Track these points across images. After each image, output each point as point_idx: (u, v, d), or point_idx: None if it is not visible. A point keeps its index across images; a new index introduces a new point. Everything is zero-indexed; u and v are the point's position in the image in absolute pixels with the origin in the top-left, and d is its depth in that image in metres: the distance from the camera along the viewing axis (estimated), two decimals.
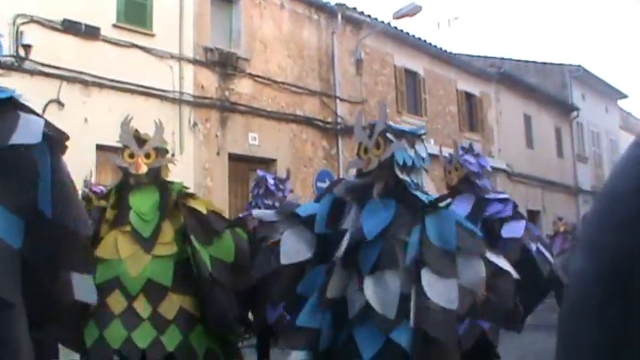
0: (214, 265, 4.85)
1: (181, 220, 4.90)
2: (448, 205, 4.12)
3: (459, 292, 3.74)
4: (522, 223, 6.26)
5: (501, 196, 6.66)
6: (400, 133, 4.16)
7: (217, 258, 4.92)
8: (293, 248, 4.21)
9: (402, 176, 4.05)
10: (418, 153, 4.18)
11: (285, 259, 4.17)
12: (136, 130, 5.23)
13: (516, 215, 6.38)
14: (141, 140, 5.12)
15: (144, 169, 4.97)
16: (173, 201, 4.97)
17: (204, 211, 4.99)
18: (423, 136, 4.34)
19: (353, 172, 4.51)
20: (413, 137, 4.21)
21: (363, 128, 4.29)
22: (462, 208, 6.28)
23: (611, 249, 1.02)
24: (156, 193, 5.00)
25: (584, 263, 1.07)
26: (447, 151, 21.57)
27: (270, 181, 7.89)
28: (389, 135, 4.09)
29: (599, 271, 1.03)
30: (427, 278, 3.74)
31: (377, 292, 3.84)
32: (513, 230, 6.13)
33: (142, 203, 4.87)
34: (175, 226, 4.89)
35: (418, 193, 4.04)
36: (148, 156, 5.02)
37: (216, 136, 15.88)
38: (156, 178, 4.99)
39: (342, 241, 3.95)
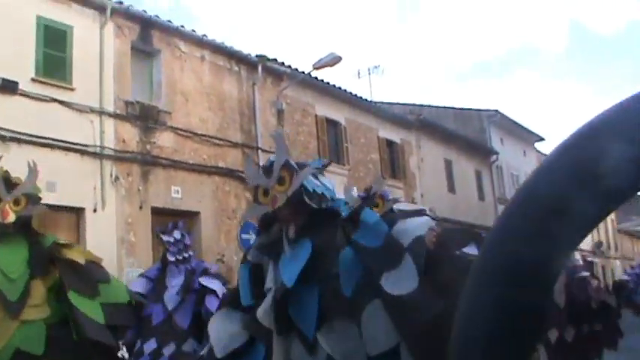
0: (109, 313, 4.33)
1: (56, 275, 4.28)
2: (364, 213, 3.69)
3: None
4: None
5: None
6: (302, 165, 3.80)
7: (110, 303, 4.40)
8: (225, 336, 3.81)
9: (315, 205, 3.66)
10: (324, 184, 3.83)
11: (220, 351, 3.75)
12: (6, 171, 4.66)
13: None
14: (11, 184, 4.56)
15: (11, 217, 4.34)
16: (45, 255, 4.34)
17: (83, 261, 4.39)
18: (324, 169, 4.04)
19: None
20: (316, 169, 3.89)
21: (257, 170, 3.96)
22: None
23: None
24: (24, 246, 4.35)
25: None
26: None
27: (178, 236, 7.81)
28: (292, 166, 3.74)
29: None
30: (385, 280, 3.29)
31: (336, 348, 3.37)
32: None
33: (8, 259, 4.18)
34: (48, 284, 4.24)
35: (336, 204, 3.82)
36: (17, 202, 4.45)
37: (139, 190, 15.75)
38: (25, 229, 4.39)
39: (265, 305, 3.58)
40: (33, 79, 14.28)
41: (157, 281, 7.46)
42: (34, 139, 13.92)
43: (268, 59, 20.12)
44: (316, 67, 19.84)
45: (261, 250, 3.89)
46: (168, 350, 7.01)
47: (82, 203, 14.53)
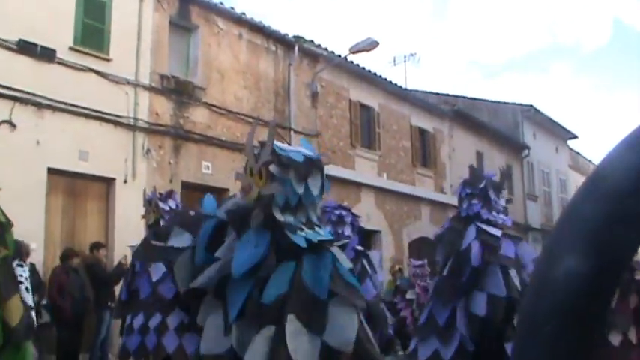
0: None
1: None
2: (330, 245, 3.83)
3: (321, 352, 3.45)
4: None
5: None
6: (289, 165, 3.80)
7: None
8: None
9: (281, 218, 3.73)
10: (309, 188, 3.86)
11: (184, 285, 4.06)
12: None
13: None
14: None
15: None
16: None
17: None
18: (322, 163, 4.05)
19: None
20: (306, 168, 3.86)
21: (256, 145, 3.98)
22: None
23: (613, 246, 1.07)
24: None
25: (578, 263, 1.11)
26: (400, 186, 21.48)
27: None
28: (273, 170, 3.76)
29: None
30: (292, 328, 3.44)
31: (244, 348, 3.54)
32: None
33: None
34: None
35: (297, 236, 3.70)
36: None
37: (170, 163, 15.80)
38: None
39: (212, 270, 3.81)
40: (71, 49, 14.33)
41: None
42: (69, 108, 14.00)
43: (305, 40, 20.08)
44: (353, 51, 19.79)
45: (230, 216, 3.96)
46: (154, 322, 6.93)
47: (113, 174, 14.61)
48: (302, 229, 3.78)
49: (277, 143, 3.97)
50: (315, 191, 3.91)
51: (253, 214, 3.80)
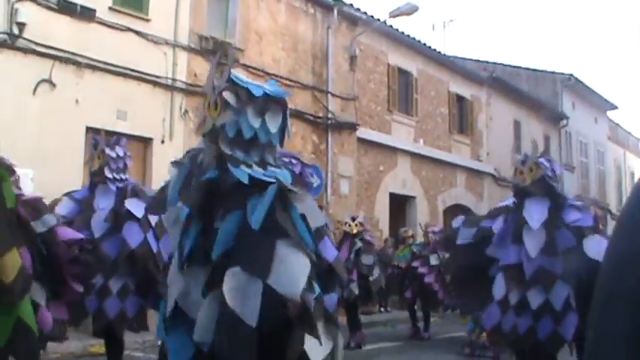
0: None
1: None
2: (288, 192, 3.36)
3: (264, 298, 3.07)
4: (605, 240, 5.65)
5: (579, 203, 6.44)
6: (247, 95, 3.50)
7: None
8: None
9: (228, 151, 3.43)
10: (266, 124, 3.52)
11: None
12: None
13: (598, 228, 6.15)
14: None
15: None
16: None
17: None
18: (286, 103, 3.67)
19: None
20: (265, 103, 3.54)
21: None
22: (537, 212, 6.08)
23: None
24: None
25: (620, 244, 1.07)
26: (436, 153, 21.41)
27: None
28: (227, 97, 3.46)
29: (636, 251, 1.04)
30: (231, 280, 3.13)
31: (184, 292, 3.36)
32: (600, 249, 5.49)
33: None
34: None
35: (240, 170, 3.37)
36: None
37: None
38: None
39: (170, 214, 3.67)
40: (110, 8, 14.34)
41: (83, 203, 6.88)
42: (108, 67, 14.04)
43: (344, 3, 19.94)
44: (392, 15, 19.62)
45: (190, 161, 3.68)
46: (96, 283, 6.40)
47: (151, 134, 14.67)
48: (250, 166, 3.44)
49: (238, 74, 3.70)
50: (272, 129, 3.53)
51: (204, 150, 3.56)
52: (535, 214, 6.11)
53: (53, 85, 13.19)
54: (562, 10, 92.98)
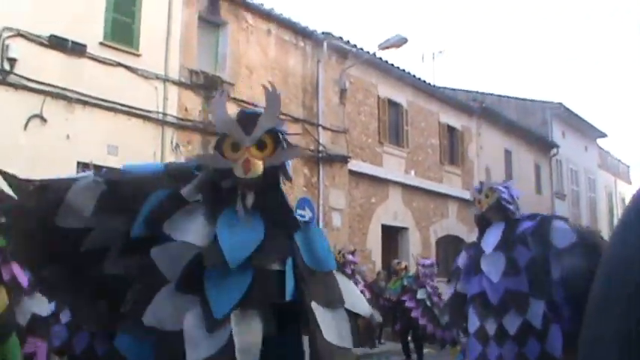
0: None
1: None
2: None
3: (349, 322, 3.15)
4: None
5: (529, 214, 6.37)
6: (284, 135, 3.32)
7: None
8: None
9: (283, 193, 3.27)
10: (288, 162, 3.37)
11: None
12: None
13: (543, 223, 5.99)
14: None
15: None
16: None
17: None
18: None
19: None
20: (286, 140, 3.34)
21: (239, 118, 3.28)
22: (492, 236, 6.15)
23: None
24: None
25: (615, 249, 1.08)
26: (428, 183, 21.45)
27: None
28: (282, 138, 3.25)
29: (630, 255, 1.05)
30: (320, 314, 3.05)
31: (242, 337, 2.91)
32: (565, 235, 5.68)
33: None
34: None
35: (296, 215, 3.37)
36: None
37: None
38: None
39: (173, 257, 2.96)
40: (101, 43, 14.43)
41: None
42: (99, 103, 14.10)
43: (334, 37, 20.06)
44: (382, 48, 19.75)
45: (203, 190, 3.16)
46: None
47: None
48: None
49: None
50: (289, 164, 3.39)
51: (247, 196, 3.11)
52: (490, 238, 6.14)
53: (44, 120, 13.22)
54: (550, 40, 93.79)
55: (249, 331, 2.93)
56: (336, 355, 3.02)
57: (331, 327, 3.06)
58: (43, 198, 3.12)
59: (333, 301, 3.15)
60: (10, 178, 3.27)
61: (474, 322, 6.15)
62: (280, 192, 3.24)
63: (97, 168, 6.92)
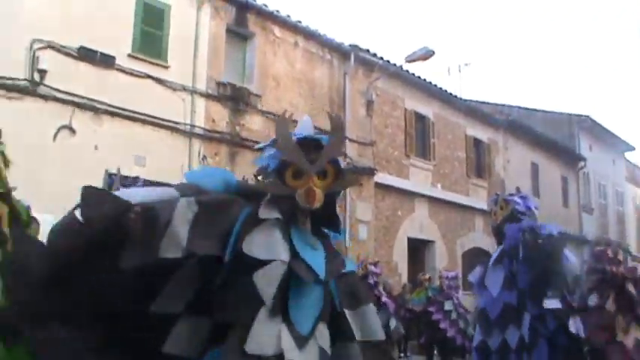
0: None
1: None
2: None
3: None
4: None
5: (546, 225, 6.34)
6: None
7: None
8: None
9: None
10: None
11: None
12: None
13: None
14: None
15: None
16: None
17: None
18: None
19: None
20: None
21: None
22: (498, 249, 6.14)
23: None
24: None
25: None
26: (454, 196, 21.36)
27: None
28: (340, 165, 3.24)
29: None
30: (350, 316, 3.21)
31: (326, 351, 3.02)
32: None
33: None
34: None
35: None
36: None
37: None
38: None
39: (270, 277, 2.88)
40: (129, 55, 14.55)
41: None
42: (127, 113, 14.21)
43: (361, 49, 20.06)
44: (409, 60, 19.71)
45: (281, 208, 3.10)
46: None
47: (169, 179, 14.56)
48: None
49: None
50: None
51: (301, 215, 3.13)
52: (495, 252, 6.15)
53: (73, 130, 13.33)
54: (578, 52, 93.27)
55: (327, 345, 3.03)
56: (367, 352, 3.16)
57: (358, 325, 3.18)
58: (151, 224, 2.85)
59: (360, 298, 3.28)
60: (111, 199, 3.01)
61: (477, 337, 6.15)
62: (336, 216, 3.33)
63: (123, 177, 6.93)
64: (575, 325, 5.84)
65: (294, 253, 2.99)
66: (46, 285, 2.83)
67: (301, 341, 2.91)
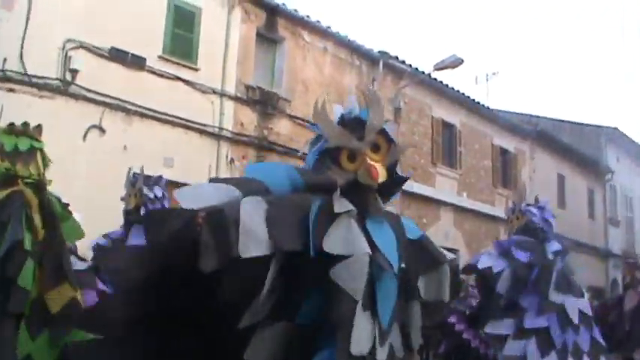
0: None
1: None
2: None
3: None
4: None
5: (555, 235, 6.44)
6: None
7: None
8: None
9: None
10: None
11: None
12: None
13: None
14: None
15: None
16: None
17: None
18: None
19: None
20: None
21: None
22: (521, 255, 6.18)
23: None
24: None
25: None
26: (479, 206, 21.23)
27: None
28: (389, 134, 3.09)
29: None
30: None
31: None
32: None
33: None
34: None
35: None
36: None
37: None
38: None
39: (355, 272, 2.67)
40: (160, 57, 14.64)
41: (117, 243, 6.50)
42: (156, 115, 14.31)
43: (390, 56, 20.05)
44: (437, 68, 19.67)
45: (352, 201, 2.84)
46: None
47: (197, 181, 14.67)
48: None
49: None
50: None
51: (378, 199, 2.96)
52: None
53: (103, 130, 13.45)
54: (606, 63, 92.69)
55: (398, 342, 3.00)
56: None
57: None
58: (221, 226, 2.61)
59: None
60: (174, 213, 2.84)
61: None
62: (401, 181, 3.18)
63: (147, 177, 6.89)
64: None
65: (372, 244, 2.79)
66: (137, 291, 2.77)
67: (382, 335, 2.81)
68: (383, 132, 3.03)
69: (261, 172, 3.02)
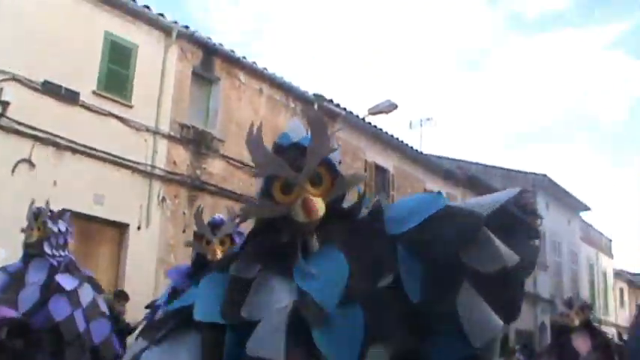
0: None
1: None
2: None
3: None
4: None
5: None
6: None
7: None
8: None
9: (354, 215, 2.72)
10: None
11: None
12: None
13: None
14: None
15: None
16: None
17: None
18: None
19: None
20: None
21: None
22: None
23: None
24: None
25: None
26: None
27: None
28: (334, 165, 2.69)
29: None
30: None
31: None
32: None
33: None
34: None
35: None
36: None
37: (184, 213, 15.76)
38: None
39: (266, 335, 2.26)
40: (94, 92, 14.50)
41: (15, 276, 6.36)
42: (88, 151, 14.11)
43: (325, 99, 20.15)
44: (372, 112, 19.88)
45: (263, 261, 2.53)
46: None
47: (127, 219, 14.63)
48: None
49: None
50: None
51: (303, 237, 2.57)
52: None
53: (32, 165, 13.20)
54: (537, 112, 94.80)
55: None
56: None
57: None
58: None
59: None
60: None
61: None
62: (355, 210, 2.72)
63: (82, 217, 6.82)
64: None
65: (300, 291, 2.40)
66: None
67: None
68: (327, 163, 2.65)
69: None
